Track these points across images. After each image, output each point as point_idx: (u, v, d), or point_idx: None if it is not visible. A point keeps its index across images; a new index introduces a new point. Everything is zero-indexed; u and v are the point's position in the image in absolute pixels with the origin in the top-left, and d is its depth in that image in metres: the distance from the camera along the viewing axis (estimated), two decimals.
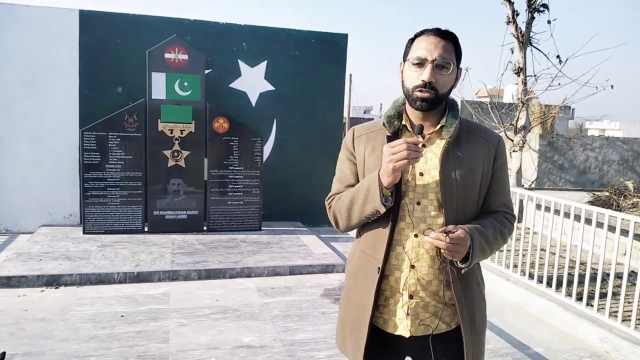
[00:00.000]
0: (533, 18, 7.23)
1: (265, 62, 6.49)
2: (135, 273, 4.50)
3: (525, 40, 7.24)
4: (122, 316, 3.75)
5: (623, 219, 3.69)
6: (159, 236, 5.69)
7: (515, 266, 4.72)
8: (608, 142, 9.82)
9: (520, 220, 5.35)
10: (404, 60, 1.59)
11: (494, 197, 1.65)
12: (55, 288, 4.29)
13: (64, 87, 5.92)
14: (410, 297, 1.56)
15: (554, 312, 4.07)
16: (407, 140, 1.43)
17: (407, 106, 1.61)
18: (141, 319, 3.72)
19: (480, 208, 1.64)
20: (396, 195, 1.54)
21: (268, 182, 6.26)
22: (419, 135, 1.52)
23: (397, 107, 1.63)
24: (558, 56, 7.27)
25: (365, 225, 1.64)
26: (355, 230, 1.73)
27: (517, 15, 7.22)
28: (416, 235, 1.55)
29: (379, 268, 1.56)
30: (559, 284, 4.22)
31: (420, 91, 1.51)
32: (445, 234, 1.44)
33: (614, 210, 5.58)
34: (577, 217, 4.15)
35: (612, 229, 3.97)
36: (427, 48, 1.51)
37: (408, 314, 1.56)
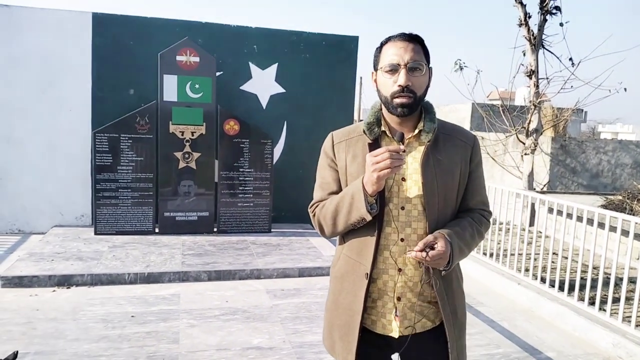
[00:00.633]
0: (545, 20, 7.19)
1: (276, 64, 6.51)
2: (146, 274, 4.53)
3: (537, 43, 7.20)
4: (132, 316, 3.78)
5: (637, 223, 3.65)
6: (169, 237, 5.72)
7: (527, 270, 4.68)
8: (621, 145, 9.71)
9: (532, 224, 5.31)
10: (375, 70, 1.62)
11: (472, 195, 1.70)
12: (67, 288, 4.32)
13: (77, 89, 5.98)
14: (399, 299, 1.60)
15: (566, 317, 4.03)
16: (389, 149, 1.45)
17: (384, 112, 1.63)
18: (151, 319, 3.74)
19: (459, 206, 1.69)
20: (381, 201, 1.56)
21: (278, 184, 6.27)
22: (400, 143, 1.54)
23: (376, 114, 1.65)
24: (570, 59, 7.22)
25: (350, 231, 1.65)
26: (339, 236, 1.74)
27: (529, 17, 7.18)
28: (402, 240, 1.58)
29: (367, 274, 1.59)
30: (571, 288, 4.18)
31: (400, 97, 1.54)
32: (425, 252, 1.48)
33: (627, 214, 5.52)
34: (590, 221, 4.11)
35: (625, 233, 3.93)
36: (397, 53, 1.54)
37: (397, 316, 1.60)
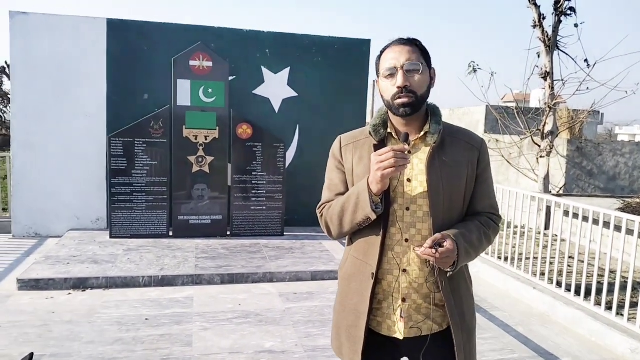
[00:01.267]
0: (560, 22, 7.12)
1: (288, 68, 6.53)
2: (160, 277, 4.56)
3: (552, 44, 7.13)
4: (146, 319, 3.80)
5: None
6: (183, 241, 5.76)
7: (543, 274, 4.62)
8: (639, 147, 9.57)
9: (547, 227, 5.25)
10: (378, 77, 1.65)
11: (480, 199, 1.69)
12: (82, 291, 4.37)
13: (92, 94, 6.06)
14: (403, 300, 1.60)
15: (582, 322, 3.97)
16: (393, 148, 1.47)
17: (390, 114, 1.66)
18: (165, 322, 3.77)
19: (467, 210, 1.68)
20: (386, 201, 1.58)
21: (290, 188, 6.28)
22: (405, 143, 1.55)
23: (382, 116, 1.68)
24: (586, 60, 7.14)
25: (356, 232, 1.67)
26: (347, 238, 1.76)
27: (544, 19, 7.12)
28: (407, 240, 1.59)
29: (372, 274, 1.61)
30: (588, 293, 4.12)
31: (399, 97, 1.56)
32: (434, 249, 1.48)
33: None
34: (607, 224, 4.05)
35: None
36: (393, 57, 1.58)
37: (402, 317, 1.60)
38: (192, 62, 5.76)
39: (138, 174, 5.74)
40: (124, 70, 6.08)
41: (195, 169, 5.89)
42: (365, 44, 6.81)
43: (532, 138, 7.78)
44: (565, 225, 4.55)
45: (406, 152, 1.48)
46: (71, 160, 6.07)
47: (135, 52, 6.09)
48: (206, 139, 5.89)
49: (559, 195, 7.60)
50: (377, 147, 1.59)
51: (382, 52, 1.63)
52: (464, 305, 1.64)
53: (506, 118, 8.72)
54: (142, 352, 3.28)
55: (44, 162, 6.03)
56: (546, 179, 7.38)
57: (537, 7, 7.13)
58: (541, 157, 7.41)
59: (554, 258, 4.53)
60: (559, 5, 7.03)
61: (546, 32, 7.14)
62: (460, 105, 13.19)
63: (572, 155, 9.11)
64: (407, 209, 1.60)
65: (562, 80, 7.32)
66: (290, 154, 6.58)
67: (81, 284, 4.42)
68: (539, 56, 7.35)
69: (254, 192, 6.09)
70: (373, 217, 1.55)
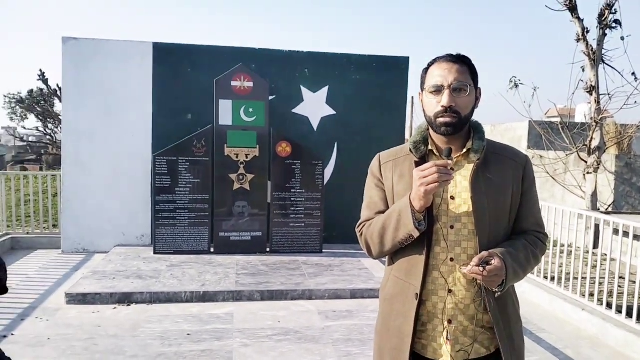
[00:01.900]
0: (605, 35, 6.94)
1: (327, 87, 6.60)
2: (202, 293, 4.63)
3: (597, 58, 6.95)
4: (188, 334, 3.86)
5: None
6: (224, 257, 5.84)
7: (592, 295, 4.44)
8: None
9: (596, 247, 5.06)
10: (422, 90, 1.62)
11: (525, 217, 1.65)
12: (127, 305, 4.48)
13: (139, 115, 6.29)
14: (449, 322, 1.56)
15: (635, 345, 3.78)
16: (436, 163, 1.45)
17: (431, 131, 1.63)
18: (206, 337, 3.81)
19: (512, 228, 1.64)
20: (429, 219, 1.54)
21: (329, 205, 6.30)
22: (448, 158, 1.52)
23: (422, 133, 1.65)
24: (633, 73, 6.92)
25: (398, 252, 1.64)
26: (387, 257, 1.72)
27: (588, 32, 6.96)
28: (452, 259, 1.55)
29: (417, 294, 1.56)
30: None
31: (443, 117, 1.53)
32: (482, 267, 1.44)
33: None
34: None
35: None
36: (441, 75, 1.54)
37: (448, 339, 1.55)
38: (233, 83, 5.91)
39: (181, 192, 5.89)
40: (168, 92, 6.29)
41: (236, 186, 5.99)
42: (403, 61, 6.82)
43: (578, 154, 7.55)
44: (615, 244, 4.38)
45: (449, 167, 1.45)
46: (118, 178, 6.29)
47: (179, 74, 6.30)
48: (247, 157, 5.99)
49: (607, 213, 7.31)
50: (418, 165, 1.56)
51: (429, 66, 1.60)
52: (512, 327, 1.59)
53: (550, 133, 8.51)
54: None
55: (92, 180, 6.26)
56: (594, 195, 7.14)
57: (581, 20, 6.98)
58: (588, 173, 7.18)
59: (604, 278, 4.35)
60: (603, 19, 6.86)
61: (590, 45, 6.97)
62: (501, 121, 12.95)
63: (621, 171, 8.77)
64: (452, 227, 1.56)
65: (609, 94, 7.11)
66: (329, 172, 6.61)
67: (126, 299, 4.54)
68: (583, 70, 7.17)
69: (292, 209, 6.13)
70: (416, 234, 1.52)
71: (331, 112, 6.63)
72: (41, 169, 18.38)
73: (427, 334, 1.59)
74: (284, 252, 6.10)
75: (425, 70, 1.61)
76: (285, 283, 4.95)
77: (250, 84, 5.95)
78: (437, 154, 1.62)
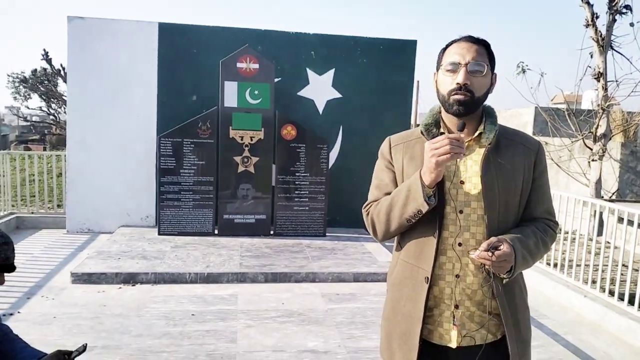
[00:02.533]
0: (614, 20, 6.84)
1: (333, 70, 6.56)
2: (206, 274, 4.67)
3: (605, 44, 6.86)
4: (192, 315, 3.90)
5: None
6: (228, 239, 5.87)
7: (594, 282, 4.46)
8: None
9: (600, 234, 5.06)
10: (438, 70, 1.60)
11: (536, 204, 1.63)
12: (132, 285, 4.52)
13: (144, 96, 6.27)
14: (456, 307, 1.55)
15: (636, 332, 3.80)
16: (448, 136, 1.43)
17: (444, 114, 1.61)
18: (210, 318, 3.85)
19: (522, 215, 1.62)
20: (439, 203, 1.53)
21: (333, 189, 6.30)
22: (461, 132, 1.50)
23: (434, 115, 1.64)
24: None
25: (406, 236, 1.62)
26: (395, 242, 1.71)
27: (597, 17, 6.86)
28: (460, 244, 1.54)
29: (427, 278, 1.55)
30: None
31: (456, 94, 1.51)
32: (491, 252, 1.42)
33: None
34: None
35: None
36: (459, 53, 1.52)
37: (455, 325, 1.55)
38: (239, 65, 5.87)
39: (186, 173, 5.90)
40: (173, 73, 6.26)
41: (240, 169, 5.99)
42: (410, 44, 6.76)
43: (583, 141, 7.51)
44: (619, 231, 4.38)
45: (461, 141, 1.43)
46: (123, 159, 6.30)
47: (184, 55, 6.26)
48: (252, 140, 5.98)
49: (611, 201, 7.31)
50: None
51: (447, 46, 1.58)
52: (519, 314, 1.58)
53: (556, 120, 8.45)
54: (189, 346, 3.37)
55: (97, 160, 6.27)
56: (598, 183, 7.11)
57: (590, 5, 6.88)
58: (593, 160, 7.15)
59: (607, 266, 4.36)
60: (613, 4, 6.76)
61: (599, 31, 6.88)
62: (507, 107, 12.89)
63: (626, 159, 8.74)
64: (461, 211, 1.54)
65: (616, 81, 7.03)
66: (333, 155, 6.60)
67: (131, 279, 4.58)
68: (591, 56, 7.09)
69: (297, 192, 6.14)
70: (425, 208, 1.49)
71: (337, 95, 6.60)
72: (45, 149, 18.42)
73: (434, 319, 1.58)
74: (287, 235, 6.13)
75: (443, 50, 1.59)
76: (289, 266, 4.98)
77: (256, 66, 5.91)
78: None
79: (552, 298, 4.76)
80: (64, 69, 20.70)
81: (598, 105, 7.11)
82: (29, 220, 6.70)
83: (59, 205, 7.04)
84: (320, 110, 6.59)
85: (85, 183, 6.28)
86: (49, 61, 21.08)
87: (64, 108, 21.42)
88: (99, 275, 4.56)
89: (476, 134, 1.59)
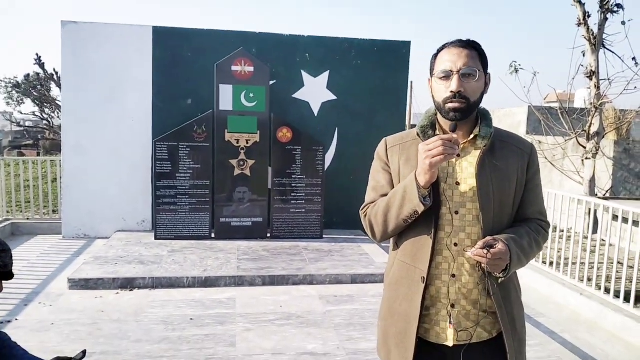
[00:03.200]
0: (606, 19, 6.90)
1: (328, 72, 6.57)
2: (203, 278, 4.67)
3: (597, 43, 6.91)
4: (191, 319, 3.90)
5: None
6: (225, 242, 5.87)
7: (590, 280, 4.49)
8: None
9: (594, 232, 5.10)
10: (431, 76, 1.62)
11: (529, 205, 1.66)
12: (130, 291, 4.51)
13: (138, 100, 6.26)
14: (452, 306, 1.58)
15: (632, 329, 3.84)
16: (441, 137, 1.45)
17: (439, 116, 1.64)
18: (209, 322, 3.85)
19: (515, 215, 1.65)
20: (434, 204, 1.55)
21: (329, 190, 6.32)
22: (453, 133, 1.52)
23: (430, 117, 1.66)
24: (634, 58, 6.90)
25: (403, 235, 1.65)
26: (391, 242, 1.73)
27: (589, 16, 6.91)
28: (455, 245, 1.57)
29: (423, 277, 1.58)
30: (638, 300, 3.98)
31: (451, 102, 1.53)
32: (486, 250, 1.46)
33: None
34: None
35: None
36: (450, 60, 1.54)
37: (451, 323, 1.58)
38: (234, 68, 5.88)
39: (182, 177, 5.89)
40: (168, 76, 6.26)
41: (236, 172, 6.00)
42: (405, 46, 6.79)
43: (577, 139, 7.56)
44: (614, 229, 4.41)
45: (454, 141, 1.45)
46: (118, 163, 6.28)
47: (179, 59, 6.26)
48: (247, 143, 5.99)
49: (605, 198, 7.36)
50: None
51: (438, 51, 1.60)
52: (514, 312, 1.61)
53: (549, 119, 8.50)
54: (188, 351, 3.37)
55: (92, 165, 6.25)
56: (592, 181, 7.16)
57: (582, 4, 6.93)
58: (587, 158, 7.20)
59: (602, 263, 4.40)
60: (604, 3, 6.82)
61: (591, 30, 6.93)
62: (500, 106, 12.93)
63: (619, 157, 8.80)
64: (456, 212, 1.57)
65: (609, 79, 7.09)
66: (329, 157, 6.62)
67: (128, 284, 4.57)
68: (584, 55, 7.14)
69: (293, 194, 6.15)
70: (421, 209, 1.52)
71: (332, 97, 6.62)
72: (38, 154, 18.33)
73: (430, 318, 1.61)
74: (284, 238, 6.13)
75: (435, 56, 1.61)
76: (287, 268, 4.98)
77: (251, 69, 5.92)
78: None
79: (548, 296, 4.79)
80: (57, 73, 20.61)
81: (591, 103, 7.16)
82: (24, 226, 6.68)
83: (54, 211, 7.01)
84: (316, 112, 6.60)
85: (81, 188, 6.26)
86: (41, 66, 20.99)
87: (58, 113, 21.34)
88: (96, 280, 4.55)
89: (471, 136, 1.61)
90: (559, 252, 4.96)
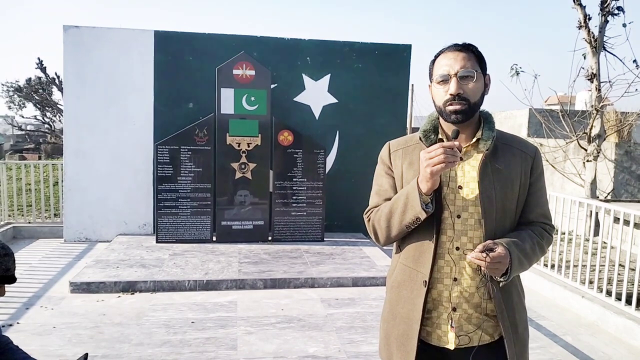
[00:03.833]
0: (607, 22, 6.92)
1: (329, 75, 6.59)
2: (205, 281, 4.67)
3: (598, 45, 6.93)
4: (192, 322, 3.90)
5: None
6: (226, 245, 5.87)
7: (591, 282, 4.49)
8: None
9: (596, 234, 5.09)
10: (430, 82, 1.63)
11: (532, 208, 1.65)
12: (131, 294, 4.52)
13: (140, 104, 6.28)
14: (454, 309, 1.58)
15: (634, 332, 3.83)
16: (443, 145, 1.45)
17: (441, 120, 1.64)
18: (210, 325, 3.85)
19: (519, 219, 1.65)
20: (437, 208, 1.56)
21: (330, 193, 6.32)
22: (455, 139, 1.53)
23: (432, 121, 1.66)
24: (635, 60, 6.91)
25: (406, 239, 1.65)
26: (394, 245, 1.74)
27: (590, 19, 6.93)
28: (457, 248, 1.57)
29: (425, 281, 1.58)
30: (639, 302, 3.98)
31: (452, 104, 1.54)
32: (485, 253, 1.46)
33: None
34: None
35: None
36: (447, 64, 1.55)
37: (452, 327, 1.58)
38: (235, 71, 5.89)
39: (183, 181, 5.90)
40: (170, 80, 6.28)
41: (238, 175, 6.01)
42: (405, 49, 6.80)
43: (578, 142, 7.57)
44: (615, 232, 4.41)
45: (455, 149, 1.45)
46: (120, 167, 6.30)
47: (180, 62, 6.28)
48: (249, 146, 6.00)
49: (606, 201, 7.35)
50: None
51: (436, 57, 1.61)
52: (516, 315, 1.61)
53: (550, 121, 8.51)
54: (189, 354, 3.37)
55: (94, 169, 6.27)
56: (593, 183, 7.17)
57: (583, 7, 6.95)
58: (588, 161, 7.21)
59: (603, 266, 4.39)
60: (605, 5, 6.83)
61: (592, 32, 6.95)
62: (501, 109, 12.94)
63: (621, 159, 8.80)
64: (459, 216, 1.57)
65: (610, 81, 7.10)
66: (330, 160, 6.63)
67: (130, 287, 4.58)
68: (584, 57, 7.16)
69: (294, 197, 6.15)
70: (422, 216, 1.52)
71: (333, 100, 6.63)
72: (40, 158, 18.36)
73: (432, 321, 1.62)
74: (285, 241, 6.13)
75: (433, 62, 1.62)
76: (288, 271, 4.98)
77: (252, 72, 5.93)
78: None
79: (550, 299, 4.78)
80: (58, 77, 20.68)
81: (592, 106, 7.17)
82: (25, 230, 6.69)
83: (55, 215, 7.03)
84: (317, 115, 6.62)
85: (82, 192, 6.27)
86: (43, 69, 21.06)
87: (59, 116, 21.40)
88: (97, 284, 4.55)
89: (474, 139, 1.61)
90: (560, 254, 4.96)
